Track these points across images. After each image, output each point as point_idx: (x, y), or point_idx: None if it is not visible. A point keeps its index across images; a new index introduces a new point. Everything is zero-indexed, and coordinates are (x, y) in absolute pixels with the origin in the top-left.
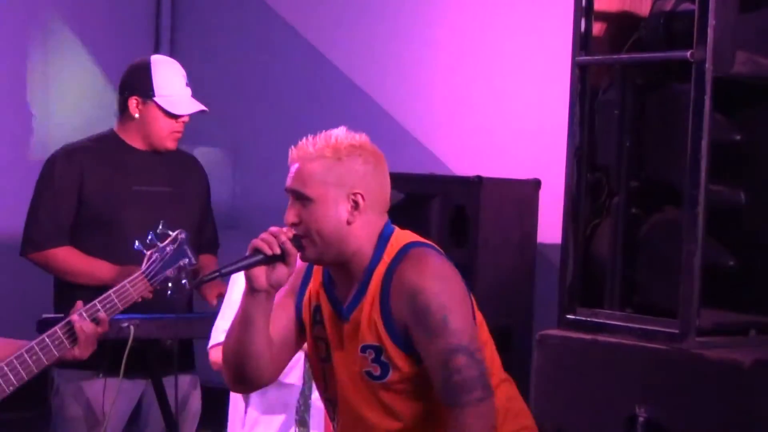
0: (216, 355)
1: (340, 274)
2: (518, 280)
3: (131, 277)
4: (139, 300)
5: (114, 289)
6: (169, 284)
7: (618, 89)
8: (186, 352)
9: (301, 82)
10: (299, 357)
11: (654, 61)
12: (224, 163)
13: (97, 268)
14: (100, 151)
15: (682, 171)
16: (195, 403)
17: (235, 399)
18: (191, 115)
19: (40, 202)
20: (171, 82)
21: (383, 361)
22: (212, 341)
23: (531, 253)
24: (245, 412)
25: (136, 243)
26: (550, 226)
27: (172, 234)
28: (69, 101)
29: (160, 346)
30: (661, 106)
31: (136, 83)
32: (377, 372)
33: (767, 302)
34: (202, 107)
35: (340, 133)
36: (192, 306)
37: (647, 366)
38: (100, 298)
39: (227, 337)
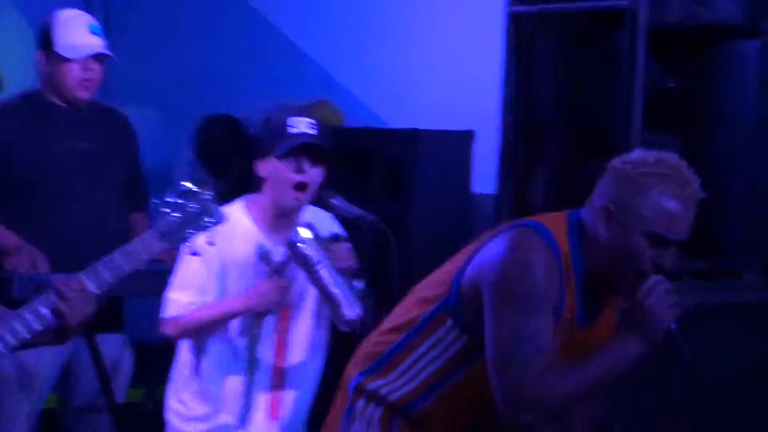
0: (171, 329)
1: (599, 286)
2: (454, 231)
3: (141, 236)
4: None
5: (120, 249)
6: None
7: (552, 39)
8: (115, 312)
9: (234, 41)
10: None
11: (588, 11)
12: (156, 122)
13: None
14: (20, 109)
15: (617, 119)
16: (127, 362)
17: (184, 352)
18: (121, 74)
19: None
20: (71, 30)
21: None
22: (169, 312)
23: (466, 205)
24: (197, 364)
25: (157, 200)
26: (485, 177)
27: (196, 191)
28: (1, 63)
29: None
30: (596, 55)
31: (41, 38)
32: None
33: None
34: (103, 50)
35: None
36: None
37: None
38: (104, 259)
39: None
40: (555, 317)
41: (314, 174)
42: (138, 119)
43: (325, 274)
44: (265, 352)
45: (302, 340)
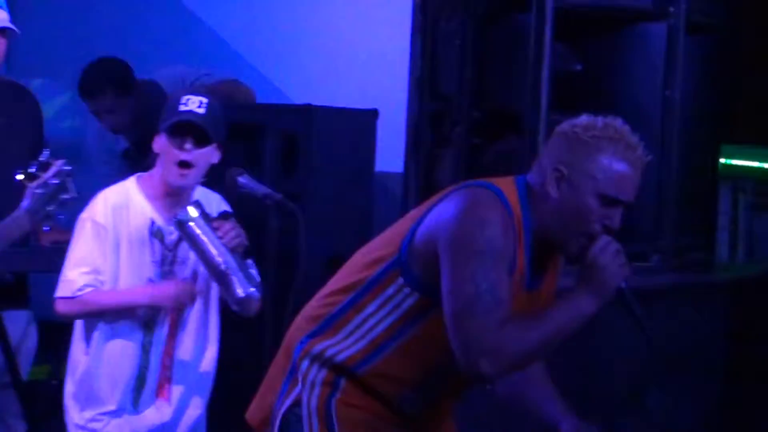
0: (68, 308)
1: (547, 249)
2: (355, 209)
3: (13, 215)
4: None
5: None
6: (49, 220)
7: (459, 19)
8: (21, 289)
9: (140, 15)
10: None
11: None
12: (62, 97)
13: None
14: None
15: (523, 100)
16: (31, 340)
17: (77, 335)
18: (26, 48)
19: None
20: None
21: None
22: (61, 292)
23: (368, 183)
24: (89, 346)
25: (18, 174)
26: (391, 156)
27: (56, 165)
28: None
29: None
30: (503, 36)
31: None
32: None
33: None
34: (7, 24)
35: None
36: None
37: None
38: None
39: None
40: (509, 275)
41: (199, 154)
42: (43, 94)
43: (214, 252)
44: (159, 334)
45: (194, 321)
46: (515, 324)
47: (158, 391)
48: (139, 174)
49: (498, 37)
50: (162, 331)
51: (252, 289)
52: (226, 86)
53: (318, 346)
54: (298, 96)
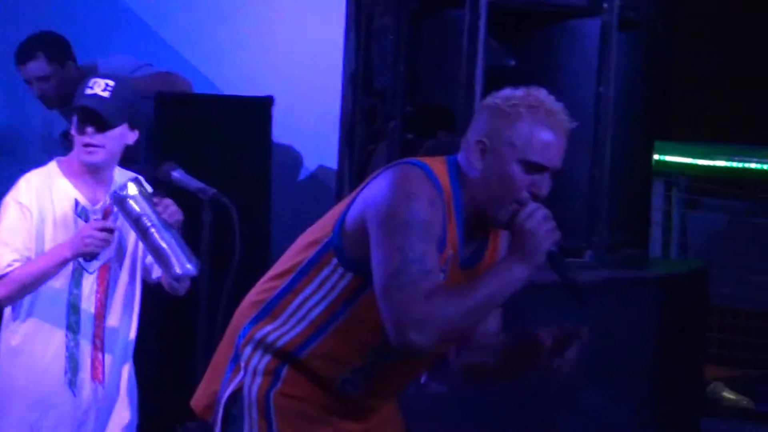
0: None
1: (480, 225)
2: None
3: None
4: None
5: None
6: None
7: (393, 14)
8: None
9: (74, 7)
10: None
11: None
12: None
13: None
14: None
15: (457, 96)
16: None
17: (6, 319)
18: None
19: None
20: None
21: None
22: None
23: (264, 171)
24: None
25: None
26: (327, 151)
27: None
28: None
29: None
30: (437, 31)
31: None
32: None
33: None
34: None
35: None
36: None
37: None
38: None
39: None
40: (439, 250)
41: (102, 137)
42: None
43: (153, 229)
44: (87, 311)
45: (120, 297)
46: (444, 294)
47: (93, 373)
48: (58, 158)
49: (432, 33)
50: (89, 310)
51: (190, 266)
52: (164, 78)
53: (259, 332)
54: (233, 91)
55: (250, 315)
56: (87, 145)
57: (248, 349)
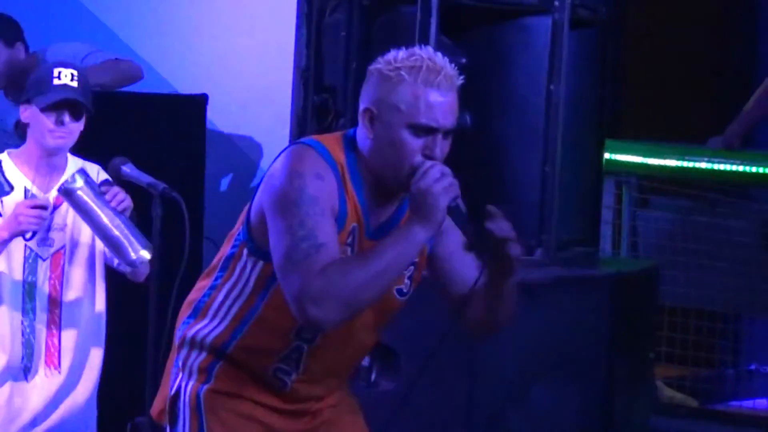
0: None
1: (386, 193)
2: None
3: None
4: None
5: None
6: None
7: (345, 10)
8: None
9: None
10: (21, 252)
11: None
12: None
13: None
14: None
15: None
16: None
17: None
18: None
19: None
20: None
21: (413, 276)
22: None
23: (197, 169)
24: None
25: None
26: (273, 147)
27: None
28: None
29: None
30: (388, 28)
31: None
32: (406, 288)
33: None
34: None
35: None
36: None
37: None
38: None
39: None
40: (339, 225)
41: (74, 127)
42: None
43: (104, 218)
44: (41, 297)
45: (77, 283)
46: (340, 265)
47: (48, 359)
48: (9, 150)
49: (383, 29)
50: (43, 295)
51: (144, 251)
52: (115, 65)
53: (191, 331)
54: (186, 87)
55: (185, 315)
56: (59, 131)
57: (184, 350)
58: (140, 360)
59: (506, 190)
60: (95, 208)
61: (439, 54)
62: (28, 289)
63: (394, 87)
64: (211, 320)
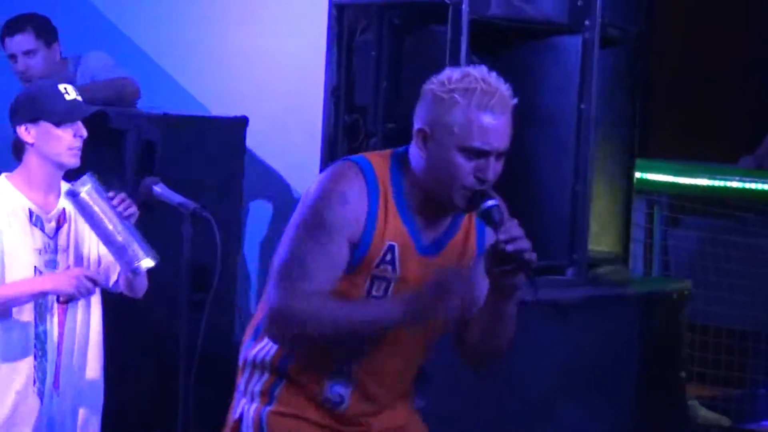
0: None
1: (438, 210)
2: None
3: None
4: None
5: None
6: None
7: (375, 30)
8: None
9: (45, 7)
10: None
11: (411, 2)
12: None
13: None
14: None
15: None
16: None
17: None
18: None
19: None
20: None
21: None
22: None
23: (236, 191)
24: None
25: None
26: (306, 167)
27: None
28: None
29: None
30: (419, 47)
31: None
32: None
33: None
34: None
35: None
36: None
37: None
38: None
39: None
40: (359, 251)
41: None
42: None
43: (109, 223)
44: (51, 321)
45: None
46: (321, 302)
47: (55, 381)
48: (5, 173)
49: (414, 48)
50: (53, 318)
51: (147, 258)
52: (111, 84)
53: (252, 353)
54: (215, 106)
55: (248, 337)
56: (76, 146)
57: (246, 372)
58: (171, 376)
59: (537, 209)
60: (101, 211)
61: (494, 74)
62: (40, 310)
63: (448, 110)
64: (269, 340)
